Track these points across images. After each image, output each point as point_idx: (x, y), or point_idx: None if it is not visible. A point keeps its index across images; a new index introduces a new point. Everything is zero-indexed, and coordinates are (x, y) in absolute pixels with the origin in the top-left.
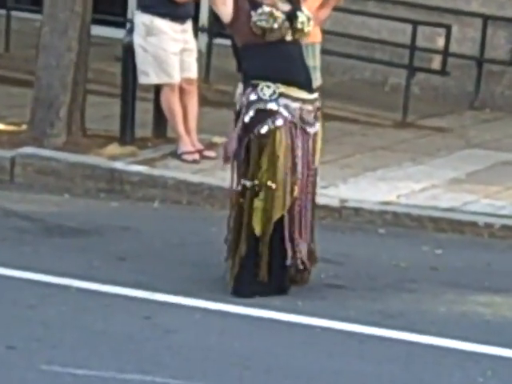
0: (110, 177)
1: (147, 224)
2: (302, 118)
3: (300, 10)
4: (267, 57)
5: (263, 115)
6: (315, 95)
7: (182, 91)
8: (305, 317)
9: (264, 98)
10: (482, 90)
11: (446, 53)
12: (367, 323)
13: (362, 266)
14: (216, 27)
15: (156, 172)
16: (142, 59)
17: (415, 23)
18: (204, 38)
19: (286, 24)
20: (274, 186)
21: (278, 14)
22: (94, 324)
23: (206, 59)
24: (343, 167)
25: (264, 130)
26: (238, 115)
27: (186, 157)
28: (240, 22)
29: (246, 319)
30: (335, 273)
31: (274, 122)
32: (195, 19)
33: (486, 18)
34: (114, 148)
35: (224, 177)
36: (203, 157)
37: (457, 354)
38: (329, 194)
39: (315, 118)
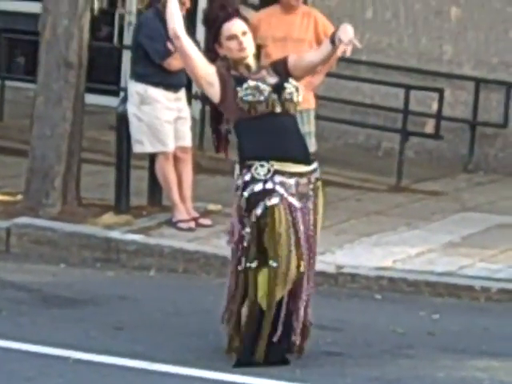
0: (106, 246)
1: (144, 293)
2: (299, 193)
3: (288, 81)
4: (260, 133)
5: (259, 196)
6: (313, 166)
7: (176, 159)
8: None
9: (258, 177)
10: (475, 152)
11: (439, 116)
12: None
13: (359, 333)
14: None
15: (152, 241)
16: (136, 128)
17: (408, 87)
18: (198, 105)
19: (274, 96)
20: (275, 264)
21: (263, 86)
22: None
23: (199, 126)
24: (339, 233)
25: (261, 210)
26: (236, 196)
27: (181, 225)
28: (228, 100)
29: None
30: (332, 339)
31: (270, 201)
32: (188, 87)
33: (478, 82)
34: (109, 217)
35: (219, 245)
36: (198, 225)
37: None
38: (325, 261)
39: (313, 189)
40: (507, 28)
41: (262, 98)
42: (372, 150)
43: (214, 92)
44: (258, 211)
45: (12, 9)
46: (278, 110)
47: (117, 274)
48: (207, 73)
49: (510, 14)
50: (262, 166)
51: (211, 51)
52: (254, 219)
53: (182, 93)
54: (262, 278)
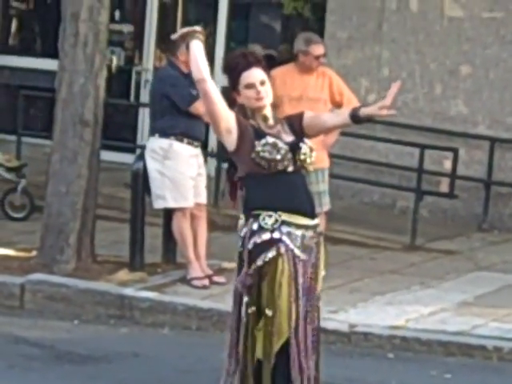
0: (119, 303)
1: (157, 350)
2: (303, 245)
3: (303, 141)
4: (269, 187)
5: (265, 244)
6: (316, 221)
7: (191, 217)
8: None
9: (266, 227)
10: (490, 212)
11: (453, 175)
12: None
13: None
14: (225, 152)
15: (166, 298)
16: (158, 184)
17: (423, 147)
18: (213, 162)
19: (289, 155)
20: (270, 313)
21: (281, 145)
22: None
23: (214, 184)
24: (352, 291)
25: (266, 258)
26: (242, 246)
27: (195, 282)
28: (243, 151)
29: None
30: None
31: (277, 250)
32: (204, 145)
33: (493, 141)
34: (123, 274)
35: None
36: (212, 282)
37: None
38: (338, 319)
39: (317, 244)
40: None
41: (278, 156)
42: (387, 209)
43: (232, 140)
44: (265, 259)
45: (29, 66)
46: (291, 169)
47: (130, 331)
48: (228, 119)
49: None
50: (269, 216)
51: (230, 99)
52: (255, 267)
53: (200, 149)
54: (259, 326)
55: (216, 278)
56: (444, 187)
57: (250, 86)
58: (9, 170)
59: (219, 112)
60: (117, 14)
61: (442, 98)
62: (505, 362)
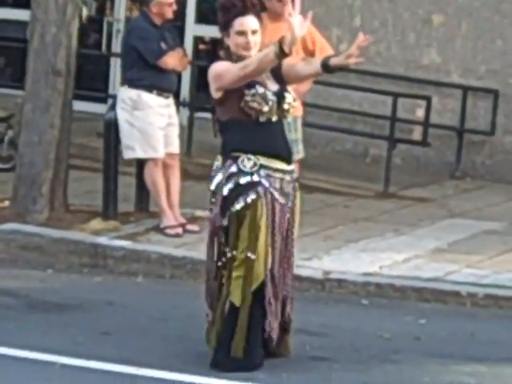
0: (93, 252)
1: (131, 299)
2: (282, 189)
3: (287, 89)
4: (250, 134)
5: (244, 187)
6: (292, 166)
7: (164, 166)
8: None
9: (245, 169)
10: (462, 159)
11: (426, 124)
12: None
13: (346, 338)
14: (198, 101)
15: (139, 247)
16: (127, 134)
17: (396, 95)
18: (186, 112)
19: (275, 106)
20: (253, 256)
21: (270, 96)
22: None
23: (187, 133)
24: (326, 239)
25: (244, 202)
26: (216, 187)
27: (168, 231)
28: (231, 99)
29: None
30: (319, 345)
31: (256, 193)
32: (176, 94)
33: (465, 89)
34: (96, 223)
35: None
36: (186, 231)
37: None
38: (312, 266)
39: (293, 189)
40: (494, 37)
41: (266, 108)
42: (360, 157)
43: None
44: (243, 202)
45: (1, 16)
46: (274, 119)
47: (104, 280)
48: None
49: (497, 23)
50: (248, 159)
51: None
52: (236, 209)
53: (172, 99)
54: (237, 273)
55: (189, 227)
56: (417, 135)
57: (242, 33)
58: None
59: None
60: None
61: (414, 47)
62: (478, 307)
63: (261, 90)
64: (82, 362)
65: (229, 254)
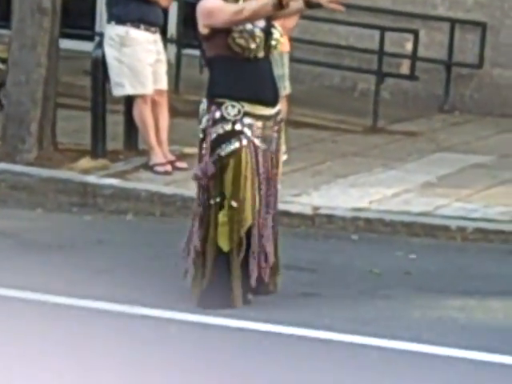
0: (82, 191)
1: (122, 237)
2: (264, 135)
3: (273, 25)
4: (237, 74)
5: (227, 135)
6: (277, 108)
7: (152, 103)
8: (280, 326)
9: (228, 117)
10: (451, 93)
11: (414, 57)
12: (342, 331)
13: (336, 273)
14: (185, 38)
15: (129, 185)
16: (116, 71)
17: (383, 29)
18: (173, 48)
19: (262, 42)
20: (235, 204)
21: (257, 33)
22: (70, 338)
23: (175, 70)
24: (314, 174)
25: (228, 149)
26: (203, 132)
27: (158, 168)
28: (218, 34)
29: (223, 330)
30: (309, 280)
31: (238, 142)
32: (163, 30)
33: (453, 22)
34: (85, 162)
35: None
36: (175, 168)
37: (432, 358)
38: (301, 202)
39: (278, 131)
40: None
41: (253, 45)
42: (347, 92)
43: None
44: (227, 149)
45: None
46: (261, 55)
47: (94, 219)
48: None
49: None
50: (233, 106)
51: None
52: (217, 157)
53: (159, 35)
54: (222, 219)
55: (178, 164)
56: (405, 69)
57: None
58: (2, 61)
59: None
60: None
61: None
62: (468, 241)
63: (248, 26)
64: (74, 301)
65: (211, 201)
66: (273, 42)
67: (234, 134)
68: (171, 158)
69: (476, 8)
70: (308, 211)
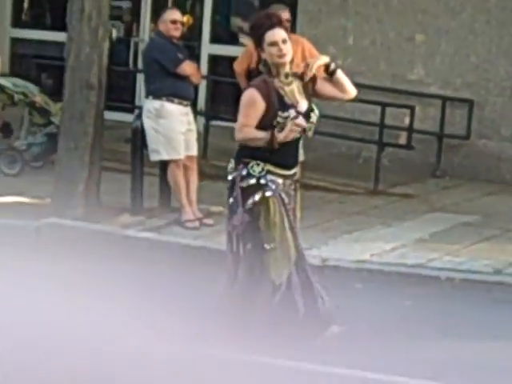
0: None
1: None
2: (284, 191)
3: (313, 109)
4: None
5: (254, 188)
6: (295, 170)
7: (184, 167)
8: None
9: (254, 174)
10: (442, 160)
11: (410, 129)
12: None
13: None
14: (213, 111)
15: (163, 238)
16: (153, 139)
17: (384, 105)
18: (202, 120)
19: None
20: (269, 247)
21: (299, 121)
22: None
23: (203, 139)
24: (324, 231)
25: (257, 198)
26: (232, 188)
27: (188, 224)
28: (266, 116)
29: None
30: None
31: (263, 194)
32: (194, 104)
33: (444, 100)
34: (125, 218)
35: (221, 241)
36: (203, 224)
37: None
38: (312, 254)
39: (295, 189)
40: (468, 53)
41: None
42: (353, 159)
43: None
44: (256, 199)
45: (42, 38)
46: (297, 135)
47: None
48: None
49: (470, 41)
50: (257, 164)
51: (258, 57)
52: (250, 206)
53: (190, 108)
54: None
55: (205, 221)
56: (402, 140)
57: (274, 43)
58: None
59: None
60: None
61: (400, 63)
62: (456, 290)
63: (293, 114)
64: None
65: (248, 246)
66: (309, 125)
67: (260, 188)
68: (199, 215)
69: (464, 87)
70: (318, 262)
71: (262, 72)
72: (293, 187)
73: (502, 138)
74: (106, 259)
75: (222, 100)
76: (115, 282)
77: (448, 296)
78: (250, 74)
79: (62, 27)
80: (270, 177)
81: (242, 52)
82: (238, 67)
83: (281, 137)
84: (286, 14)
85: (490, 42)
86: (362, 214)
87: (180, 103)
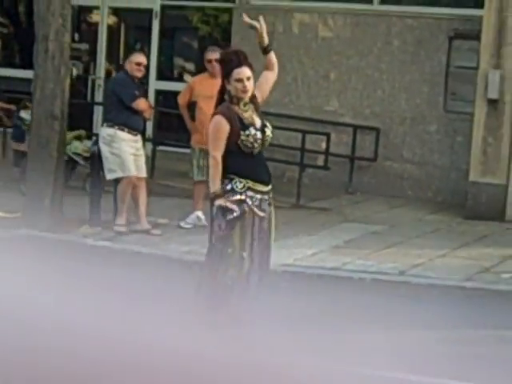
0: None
1: None
2: (260, 206)
3: (266, 125)
4: (243, 161)
5: (235, 202)
6: (270, 186)
7: (134, 186)
8: None
9: (237, 189)
10: (354, 179)
11: (327, 153)
12: None
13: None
14: (159, 137)
15: (117, 246)
16: (109, 160)
17: (304, 132)
18: (150, 146)
19: (260, 142)
20: (245, 254)
21: (258, 136)
22: None
23: (151, 161)
24: None
25: (235, 213)
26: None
27: (117, 228)
28: (231, 138)
29: None
30: None
31: (243, 209)
32: (143, 132)
33: (355, 128)
34: (85, 229)
35: (168, 248)
36: (151, 234)
37: None
38: None
39: (269, 204)
40: (376, 88)
41: (256, 145)
42: (278, 178)
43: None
44: (235, 213)
45: (10, 75)
46: (256, 151)
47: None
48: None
49: (377, 78)
50: (240, 181)
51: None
52: (229, 218)
53: (139, 137)
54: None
55: (154, 231)
56: (320, 162)
57: (239, 80)
58: (85, 159)
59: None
60: (76, 35)
61: (317, 96)
62: (367, 288)
63: (253, 131)
64: None
65: (230, 250)
66: (266, 138)
67: (240, 202)
68: (148, 226)
69: (372, 117)
70: None
71: (225, 100)
72: (268, 202)
73: (405, 160)
74: (69, 263)
75: (167, 128)
76: (75, 282)
77: (360, 293)
78: (190, 106)
79: (29, 65)
80: (249, 193)
81: (184, 87)
82: (181, 100)
83: (218, 201)
84: (216, 55)
85: (393, 80)
86: (287, 224)
87: (130, 132)
